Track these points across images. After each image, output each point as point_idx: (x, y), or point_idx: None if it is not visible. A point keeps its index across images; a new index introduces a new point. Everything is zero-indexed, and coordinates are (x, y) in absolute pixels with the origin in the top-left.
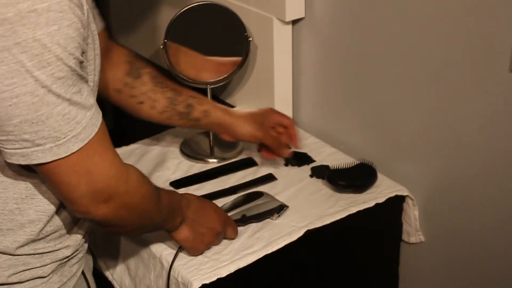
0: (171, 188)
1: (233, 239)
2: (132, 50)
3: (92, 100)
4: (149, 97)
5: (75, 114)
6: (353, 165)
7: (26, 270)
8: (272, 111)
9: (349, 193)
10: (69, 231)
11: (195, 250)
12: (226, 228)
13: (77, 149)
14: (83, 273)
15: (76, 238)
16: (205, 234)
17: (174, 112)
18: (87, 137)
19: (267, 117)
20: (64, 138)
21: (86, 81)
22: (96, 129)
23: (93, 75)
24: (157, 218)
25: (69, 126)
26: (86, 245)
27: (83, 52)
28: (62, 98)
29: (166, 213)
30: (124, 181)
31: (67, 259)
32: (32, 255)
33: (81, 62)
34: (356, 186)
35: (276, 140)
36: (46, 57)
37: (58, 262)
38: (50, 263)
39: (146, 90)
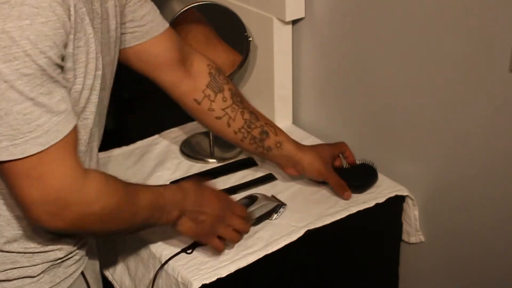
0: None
1: (245, 217)
2: (214, 62)
3: (64, 107)
4: (227, 114)
5: (37, 115)
6: (354, 165)
7: (14, 268)
8: (329, 145)
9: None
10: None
11: (202, 238)
12: (229, 210)
13: (34, 152)
14: (83, 274)
15: (69, 241)
16: (206, 222)
17: (248, 135)
18: (47, 142)
19: (328, 152)
20: (21, 138)
21: (64, 86)
22: (61, 136)
23: (82, 78)
24: (133, 222)
25: (28, 127)
26: (86, 247)
27: (63, 58)
28: (25, 97)
29: (149, 213)
30: (78, 192)
31: (60, 260)
32: (22, 254)
33: (57, 64)
34: (356, 186)
35: (339, 182)
36: (13, 51)
37: (50, 263)
38: (40, 263)
39: (225, 106)
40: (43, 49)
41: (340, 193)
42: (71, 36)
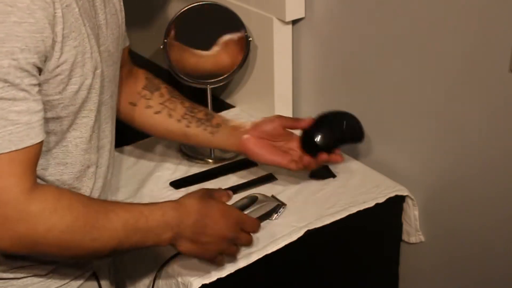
0: (171, 189)
1: (256, 232)
2: (149, 72)
3: (26, 119)
4: (166, 107)
5: None
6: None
7: (23, 266)
8: (279, 119)
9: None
10: None
11: (204, 259)
12: (240, 229)
13: None
14: (95, 274)
15: None
16: (210, 243)
17: (194, 119)
18: None
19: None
20: None
21: (34, 99)
22: (13, 148)
23: (78, 78)
24: (97, 248)
25: None
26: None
27: (39, 68)
28: None
29: (123, 237)
30: (19, 208)
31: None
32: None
33: (27, 71)
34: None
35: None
36: None
37: (60, 262)
38: (50, 262)
39: (163, 100)
40: (10, 49)
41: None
42: (58, 41)
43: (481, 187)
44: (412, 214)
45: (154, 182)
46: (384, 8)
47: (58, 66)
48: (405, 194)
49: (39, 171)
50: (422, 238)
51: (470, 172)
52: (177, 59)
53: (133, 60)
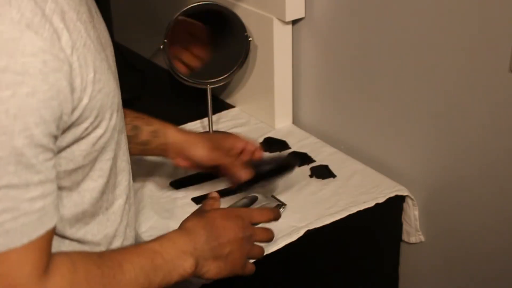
0: (171, 189)
1: (274, 219)
2: None
3: (39, 205)
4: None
5: None
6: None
7: None
8: (235, 136)
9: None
10: None
11: (236, 273)
12: (249, 224)
13: None
14: None
15: None
16: (232, 252)
17: None
18: (6, 245)
19: (226, 141)
20: None
21: (50, 179)
22: (25, 241)
23: (106, 121)
24: None
25: None
26: None
27: (54, 136)
28: None
29: (144, 281)
30: None
31: None
32: None
33: (43, 146)
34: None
35: (234, 162)
36: None
37: None
38: None
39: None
40: (24, 126)
41: (237, 174)
42: (78, 92)
43: (481, 187)
44: (412, 214)
45: (154, 182)
46: (384, 8)
47: (80, 117)
48: (405, 194)
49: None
50: (422, 238)
51: (470, 172)
52: (177, 59)
53: (133, 60)
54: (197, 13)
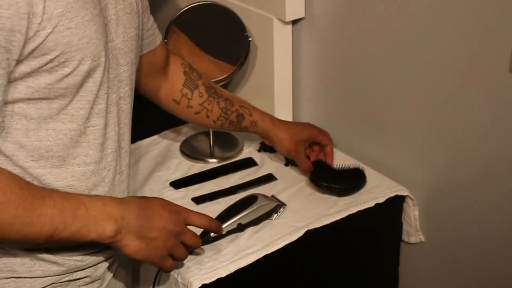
0: (171, 189)
1: (214, 230)
2: (185, 59)
3: None
4: (205, 108)
5: None
6: (343, 167)
7: (10, 278)
8: (311, 128)
9: (330, 194)
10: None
11: (155, 260)
12: (183, 222)
13: None
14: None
15: (73, 254)
16: (158, 238)
17: (227, 121)
18: None
19: (304, 134)
20: None
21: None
22: None
23: (73, 62)
24: (30, 232)
25: None
26: (103, 266)
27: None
28: None
29: (60, 223)
30: None
31: (65, 278)
32: (20, 258)
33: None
34: (338, 189)
35: (306, 164)
36: None
37: (53, 279)
38: (41, 277)
39: (202, 101)
40: None
41: (304, 174)
42: (41, 19)
43: (481, 187)
44: (412, 214)
45: (154, 182)
46: (384, 8)
47: (42, 45)
48: (405, 194)
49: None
50: (422, 238)
51: (470, 172)
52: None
53: None
54: (197, 13)
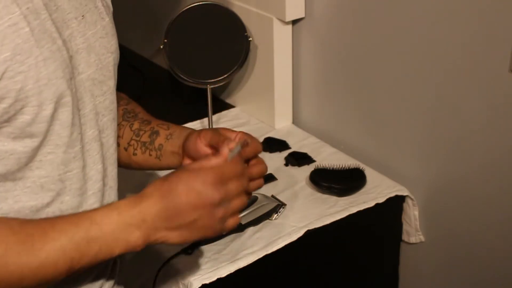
0: None
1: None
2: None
3: None
4: (119, 136)
5: None
6: (343, 167)
7: None
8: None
9: (330, 194)
10: None
11: (209, 236)
12: (222, 183)
13: None
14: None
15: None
16: (199, 218)
17: (138, 144)
18: None
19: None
20: None
21: None
22: None
23: (33, 108)
24: (43, 275)
25: None
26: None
27: None
28: None
29: (75, 254)
30: None
31: None
32: None
33: None
34: (338, 189)
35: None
36: None
37: None
38: None
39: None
40: None
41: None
42: None
43: (481, 187)
44: (412, 214)
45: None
46: (384, 8)
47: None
48: (405, 194)
49: None
50: (422, 238)
51: (470, 172)
52: (177, 59)
53: (133, 60)
54: (197, 13)
